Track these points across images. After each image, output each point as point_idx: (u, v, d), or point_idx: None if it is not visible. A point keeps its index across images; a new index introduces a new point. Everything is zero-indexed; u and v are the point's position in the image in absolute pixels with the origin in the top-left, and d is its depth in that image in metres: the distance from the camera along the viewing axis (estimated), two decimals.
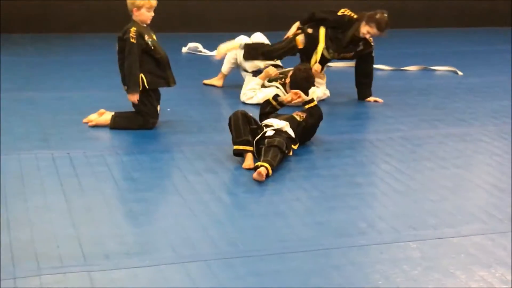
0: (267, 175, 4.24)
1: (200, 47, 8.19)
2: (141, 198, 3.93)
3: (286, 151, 4.56)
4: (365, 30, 5.91)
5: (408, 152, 4.90)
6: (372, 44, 6.19)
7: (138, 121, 5.10)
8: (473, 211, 3.89)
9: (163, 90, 5.25)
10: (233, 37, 6.58)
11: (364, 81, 6.31)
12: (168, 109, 5.48)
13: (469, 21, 10.66)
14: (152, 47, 5.00)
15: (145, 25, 5.05)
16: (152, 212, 3.79)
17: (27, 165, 4.31)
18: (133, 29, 4.93)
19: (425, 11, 10.42)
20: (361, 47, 6.14)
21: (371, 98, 6.28)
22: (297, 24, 6.23)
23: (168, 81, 5.15)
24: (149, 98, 5.08)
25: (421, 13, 10.40)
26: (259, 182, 4.19)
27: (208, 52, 8.12)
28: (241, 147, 4.51)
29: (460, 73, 7.53)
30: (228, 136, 4.62)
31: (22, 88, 6.13)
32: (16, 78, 6.47)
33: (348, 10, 6.12)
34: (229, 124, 4.63)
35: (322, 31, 6.10)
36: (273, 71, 6.04)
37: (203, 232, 3.53)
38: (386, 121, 5.72)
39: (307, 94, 5.04)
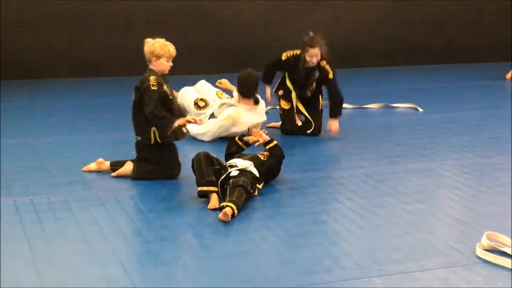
0: (233, 215, 4.26)
1: None
2: (105, 243, 3.90)
3: (251, 191, 4.59)
4: (307, 57, 6.14)
5: (371, 188, 4.97)
6: (327, 68, 6.26)
7: (159, 172, 5.02)
8: (436, 245, 3.95)
9: (130, 135, 5.24)
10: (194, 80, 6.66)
11: (331, 103, 6.38)
12: (133, 153, 5.47)
13: (428, 58, 10.96)
14: (170, 97, 4.96)
15: (161, 75, 4.98)
16: (117, 255, 3.76)
17: None
18: (152, 77, 4.86)
19: (385, 50, 10.68)
20: (317, 74, 6.30)
21: (334, 124, 6.33)
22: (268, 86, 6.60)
23: (176, 134, 5.01)
24: (166, 150, 5.01)
25: (381, 52, 10.66)
26: (224, 223, 4.21)
27: None
28: (205, 188, 4.53)
29: (420, 109, 7.70)
30: (193, 178, 4.64)
31: None
32: None
33: (289, 51, 6.35)
34: (192, 166, 4.66)
35: (286, 79, 6.47)
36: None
37: (169, 274, 3.52)
38: (349, 158, 5.80)
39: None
